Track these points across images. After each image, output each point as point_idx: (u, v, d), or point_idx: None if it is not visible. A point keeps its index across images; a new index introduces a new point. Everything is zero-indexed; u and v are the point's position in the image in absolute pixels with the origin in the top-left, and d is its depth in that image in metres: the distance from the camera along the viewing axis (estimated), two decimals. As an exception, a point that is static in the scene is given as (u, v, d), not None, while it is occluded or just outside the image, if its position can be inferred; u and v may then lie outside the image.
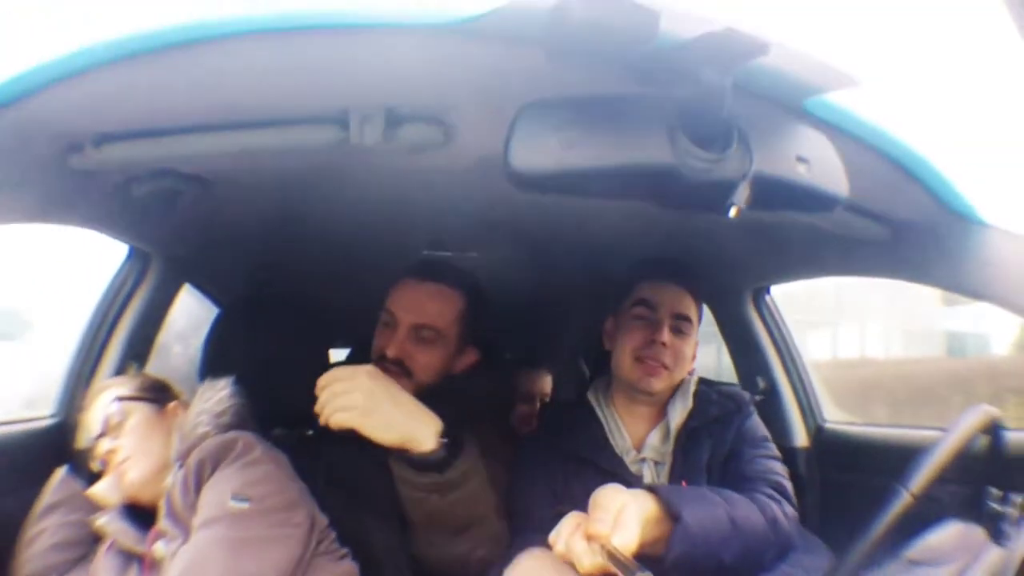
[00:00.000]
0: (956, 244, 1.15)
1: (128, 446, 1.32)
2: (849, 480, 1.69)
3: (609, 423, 1.42)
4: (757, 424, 1.44)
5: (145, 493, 1.30)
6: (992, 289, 1.13)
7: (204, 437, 1.22)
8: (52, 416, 1.67)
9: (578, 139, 0.74)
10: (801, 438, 1.94)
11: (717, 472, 1.35)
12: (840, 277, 1.71)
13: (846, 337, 10.03)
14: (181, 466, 1.21)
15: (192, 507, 1.17)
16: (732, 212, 0.77)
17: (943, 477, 0.99)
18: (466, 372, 1.48)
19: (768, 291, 2.01)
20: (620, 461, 1.36)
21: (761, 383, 1.97)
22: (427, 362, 1.41)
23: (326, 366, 1.56)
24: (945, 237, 1.16)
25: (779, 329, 2.01)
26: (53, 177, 1.11)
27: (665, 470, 1.37)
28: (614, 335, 1.45)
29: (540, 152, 0.73)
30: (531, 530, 1.27)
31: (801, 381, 1.99)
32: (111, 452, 1.33)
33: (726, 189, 0.77)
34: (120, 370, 1.68)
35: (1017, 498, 1.03)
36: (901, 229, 1.23)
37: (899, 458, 1.10)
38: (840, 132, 0.92)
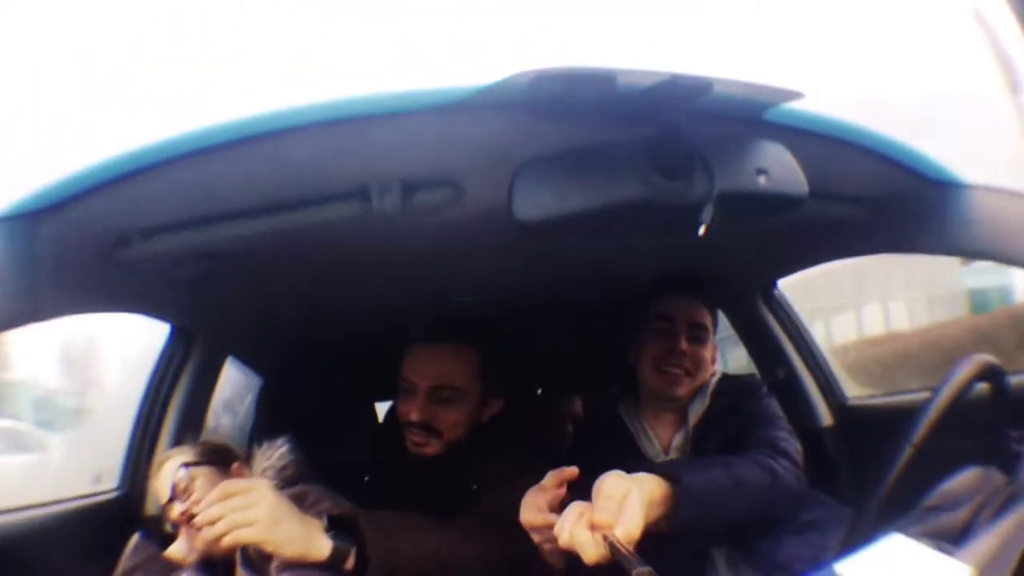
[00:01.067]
0: (935, 209, 1.20)
1: (200, 506, 1.36)
2: (880, 451, 1.73)
3: (639, 433, 1.51)
4: (769, 404, 1.49)
5: (219, 548, 1.31)
6: (980, 245, 1.19)
7: None
8: (116, 490, 1.76)
9: (568, 189, 0.88)
10: (826, 418, 2.01)
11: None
12: (841, 260, 1.78)
13: (870, 316, 9.96)
14: None
15: (266, 555, 1.20)
16: (701, 231, 0.89)
17: (960, 431, 1.03)
18: (491, 421, 1.52)
19: (775, 285, 2.08)
20: (651, 466, 1.42)
21: (780, 373, 2.04)
22: (453, 421, 1.45)
23: (373, 417, 1.64)
24: (922, 205, 1.21)
25: (791, 319, 2.08)
26: (101, 271, 1.21)
27: None
28: (638, 352, 1.54)
29: (538, 205, 0.89)
30: None
31: (818, 364, 2.06)
32: (184, 514, 1.39)
33: (696, 211, 0.88)
34: (177, 441, 1.75)
35: None
36: (877, 207, 1.30)
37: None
38: (796, 131, 1.01)
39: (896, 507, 1.05)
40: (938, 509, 0.95)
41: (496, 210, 1.09)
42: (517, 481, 1.35)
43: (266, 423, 1.56)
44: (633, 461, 1.42)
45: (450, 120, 0.92)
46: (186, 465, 1.43)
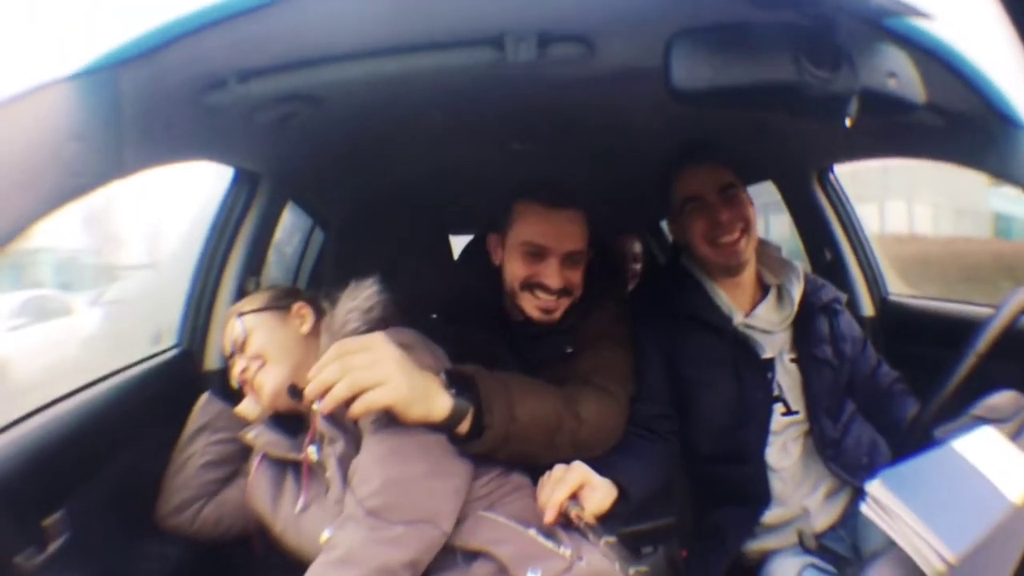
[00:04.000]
0: (1000, 138, 1.25)
1: (259, 359, 1.35)
2: (910, 349, 1.79)
3: (709, 285, 1.51)
4: (853, 322, 1.59)
5: (283, 400, 1.34)
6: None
7: (354, 334, 1.20)
8: (177, 346, 1.72)
9: (727, 62, 0.91)
10: (868, 308, 2.05)
11: (833, 351, 1.49)
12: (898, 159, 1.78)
13: (895, 212, 9.83)
14: None
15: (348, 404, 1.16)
16: (847, 123, 0.94)
17: (995, 354, 1.16)
18: (589, 269, 1.55)
19: (832, 170, 2.06)
20: (728, 319, 1.47)
21: (828, 255, 2.07)
22: (579, 280, 1.48)
23: (448, 251, 1.66)
24: (990, 131, 1.25)
25: (844, 206, 2.08)
26: (187, 117, 1.20)
27: (782, 339, 1.49)
28: (682, 232, 1.52)
29: (696, 75, 0.91)
30: (645, 399, 1.44)
31: (866, 255, 2.08)
32: (244, 371, 1.37)
33: (841, 102, 0.93)
34: (240, 287, 1.73)
35: None
36: (954, 120, 1.30)
37: (956, 330, 1.26)
38: (912, 45, 1.04)
39: (946, 408, 1.18)
40: (985, 419, 1.05)
41: (627, 71, 1.17)
42: (602, 346, 1.44)
43: (340, 261, 1.58)
44: (707, 311, 1.48)
45: None
46: (241, 315, 1.40)
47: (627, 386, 1.42)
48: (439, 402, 1.09)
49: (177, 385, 1.60)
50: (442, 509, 1.07)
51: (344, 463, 1.17)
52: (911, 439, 1.18)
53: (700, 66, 0.90)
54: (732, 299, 1.50)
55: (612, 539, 1.05)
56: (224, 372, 1.51)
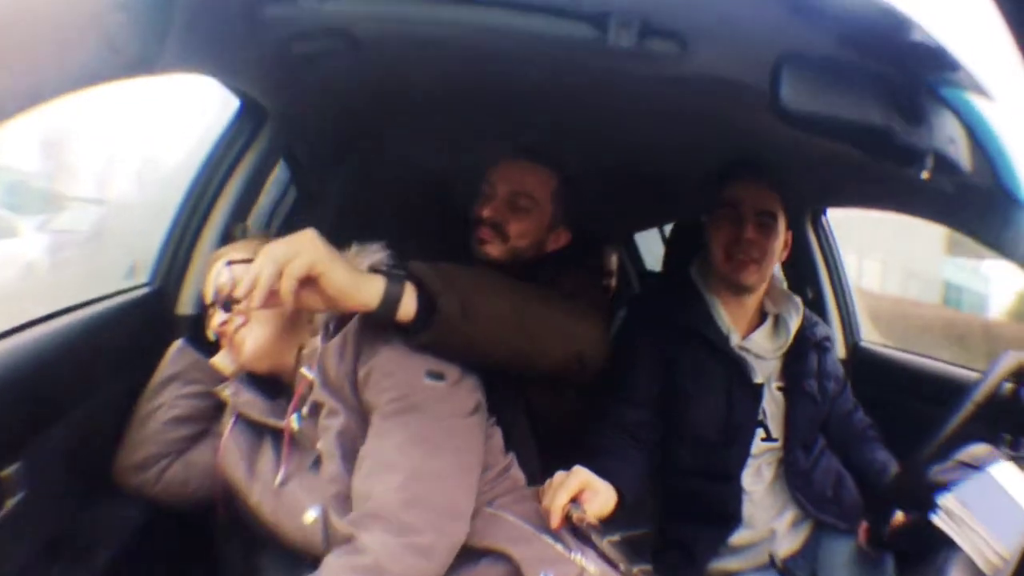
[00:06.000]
0: (1001, 212, 1.28)
1: (242, 315, 1.21)
2: (879, 396, 1.80)
3: (711, 301, 1.52)
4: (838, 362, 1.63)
5: (263, 363, 1.22)
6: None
7: None
8: (148, 285, 1.54)
9: (832, 95, 0.96)
10: (841, 351, 2.08)
11: (818, 387, 1.53)
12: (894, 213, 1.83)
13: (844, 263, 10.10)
14: (336, 330, 1.11)
15: (350, 375, 1.09)
16: (924, 176, 1.01)
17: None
18: (558, 251, 1.57)
19: (825, 212, 2.11)
20: (725, 338, 1.48)
21: (809, 293, 2.11)
22: (521, 229, 1.50)
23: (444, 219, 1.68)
24: (993, 204, 1.28)
25: (831, 249, 2.14)
26: (235, 29, 1.14)
27: (772, 366, 1.51)
28: (709, 234, 1.53)
29: (804, 99, 0.96)
30: (630, 403, 1.43)
31: (845, 300, 2.14)
32: (225, 323, 1.22)
33: (918, 154, 1.00)
34: (227, 232, 1.57)
35: None
36: (961, 187, 1.33)
37: (921, 382, 1.34)
38: (958, 116, 1.07)
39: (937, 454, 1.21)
40: (969, 465, 1.13)
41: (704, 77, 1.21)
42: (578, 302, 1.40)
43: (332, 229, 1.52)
44: (707, 325, 1.49)
45: None
46: (231, 263, 1.24)
47: (600, 325, 1.38)
48: (371, 282, 1.03)
49: (146, 327, 1.45)
50: (467, 507, 1.05)
51: (343, 438, 1.09)
52: (907, 478, 1.24)
53: (808, 91, 0.95)
54: (731, 319, 1.51)
55: (615, 538, 1.05)
56: (199, 318, 1.38)
